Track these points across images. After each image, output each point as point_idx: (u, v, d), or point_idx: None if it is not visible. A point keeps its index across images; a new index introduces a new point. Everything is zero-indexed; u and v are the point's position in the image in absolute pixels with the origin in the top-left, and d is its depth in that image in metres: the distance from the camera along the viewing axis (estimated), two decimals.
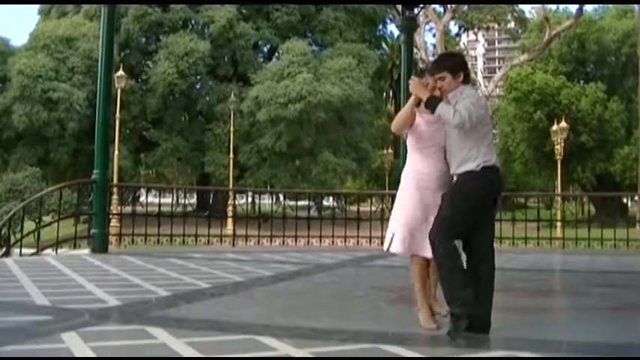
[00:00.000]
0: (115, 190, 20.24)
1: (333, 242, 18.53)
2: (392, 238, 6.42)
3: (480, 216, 6.30)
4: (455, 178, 6.33)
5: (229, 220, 21.92)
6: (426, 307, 6.47)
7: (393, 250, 6.44)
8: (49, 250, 14.77)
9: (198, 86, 51.76)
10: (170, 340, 5.68)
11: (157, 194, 19.84)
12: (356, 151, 50.13)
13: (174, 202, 20.82)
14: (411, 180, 6.46)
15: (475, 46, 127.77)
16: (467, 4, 45.51)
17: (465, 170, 6.20)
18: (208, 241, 17.61)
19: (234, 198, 23.23)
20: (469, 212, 6.24)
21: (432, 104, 6.18)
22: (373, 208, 21.20)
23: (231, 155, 42.89)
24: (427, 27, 46.71)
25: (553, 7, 48.54)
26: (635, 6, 45.17)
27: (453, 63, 6.52)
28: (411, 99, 6.39)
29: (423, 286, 6.49)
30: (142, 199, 22.34)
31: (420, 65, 40.50)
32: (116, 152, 34.86)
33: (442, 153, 6.41)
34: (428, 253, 6.29)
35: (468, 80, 6.46)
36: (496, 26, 59.74)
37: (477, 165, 6.17)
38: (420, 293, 6.49)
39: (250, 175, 48.64)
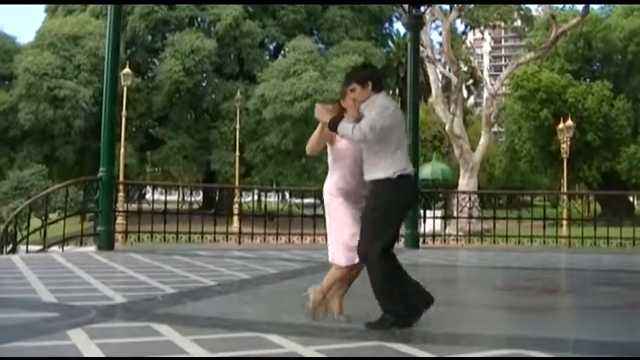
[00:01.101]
0: (121, 187, 20.19)
1: None
2: (334, 252, 6.64)
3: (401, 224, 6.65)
4: (370, 186, 6.49)
5: (235, 218, 21.85)
6: (322, 296, 6.74)
7: (342, 263, 6.59)
8: (55, 248, 14.76)
9: (204, 84, 51.80)
10: (176, 338, 5.68)
11: (163, 192, 19.85)
12: None
13: (180, 199, 20.78)
14: (337, 195, 6.66)
15: (481, 44, 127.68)
16: (474, 3, 45.39)
17: (378, 178, 6.38)
18: (214, 239, 17.61)
19: (240, 196, 23.12)
20: (396, 220, 6.60)
21: (333, 126, 6.44)
22: None
23: (237, 153, 42.89)
24: (433, 25, 46.54)
25: (559, 5, 48.40)
26: None
27: (360, 74, 6.79)
28: (320, 125, 6.66)
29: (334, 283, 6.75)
30: (148, 196, 22.37)
31: (427, 63, 40.52)
32: (122, 150, 34.88)
33: (362, 165, 6.59)
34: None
35: (379, 88, 6.65)
36: (502, 24, 59.46)
37: (393, 172, 6.35)
38: (329, 286, 6.74)
39: (256, 172, 48.70)
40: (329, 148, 6.78)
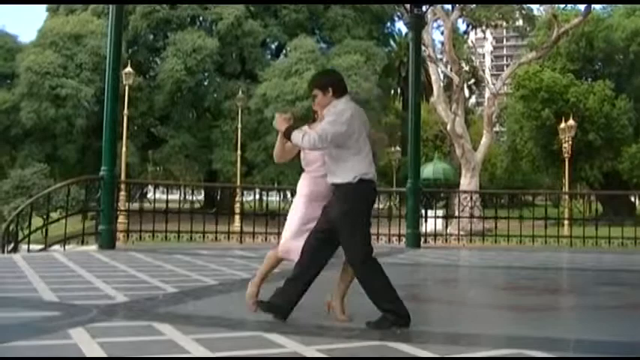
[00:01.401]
0: (122, 186, 20.22)
1: None
2: (283, 243, 6.91)
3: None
4: (334, 191, 6.61)
5: (237, 217, 21.88)
6: (258, 285, 7.08)
7: (291, 258, 6.81)
8: (56, 247, 14.77)
9: (205, 83, 51.81)
10: (177, 337, 5.69)
11: (165, 191, 19.83)
12: None
13: (181, 198, 20.77)
14: (304, 197, 6.85)
15: (483, 43, 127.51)
16: (475, 2, 45.36)
17: (339, 182, 6.51)
18: (216, 238, 17.61)
19: (242, 195, 23.20)
20: (366, 222, 6.63)
21: (287, 135, 6.61)
22: (381, 206, 21.15)
23: (239, 152, 42.86)
24: (435, 25, 46.51)
25: (561, 5, 48.39)
26: None
27: (320, 80, 6.96)
28: (279, 134, 6.82)
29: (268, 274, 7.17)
30: (150, 195, 22.34)
31: (428, 63, 40.51)
32: (124, 149, 34.84)
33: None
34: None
35: (340, 94, 6.72)
36: (504, 24, 59.40)
37: (354, 177, 6.45)
38: (263, 274, 7.17)
39: (258, 172, 48.70)
40: (301, 153, 6.92)
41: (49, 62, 45.58)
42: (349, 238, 6.46)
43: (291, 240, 6.80)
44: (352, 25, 52.53)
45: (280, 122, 6.73)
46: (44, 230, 15.07)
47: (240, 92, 44.20)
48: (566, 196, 25.85)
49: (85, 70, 46.77)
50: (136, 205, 20.09)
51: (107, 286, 8.56)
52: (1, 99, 46.70)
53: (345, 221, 6.45)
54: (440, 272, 12.76)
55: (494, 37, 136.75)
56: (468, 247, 19.49)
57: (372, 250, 6.63)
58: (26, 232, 15.30)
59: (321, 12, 52.84)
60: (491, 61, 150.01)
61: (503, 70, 57.07)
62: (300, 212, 6.81)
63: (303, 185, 6.91)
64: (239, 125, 42.25)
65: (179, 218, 17.42)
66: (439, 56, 45.49)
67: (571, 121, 40.10)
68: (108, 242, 14.17)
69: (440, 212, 22.70)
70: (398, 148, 57.34)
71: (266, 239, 18.25)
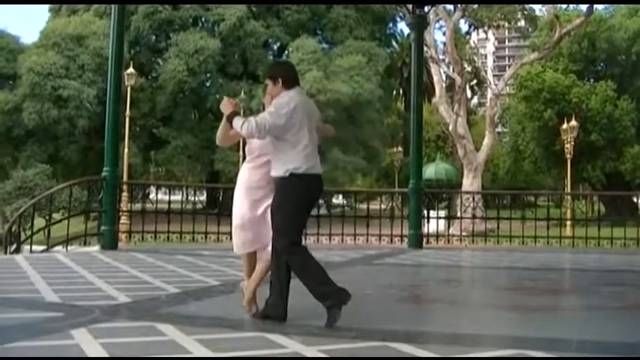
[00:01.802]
0: (124, 187, 20.25)
1: (342, 240, 18.50)
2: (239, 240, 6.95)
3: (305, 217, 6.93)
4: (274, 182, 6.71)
5: None
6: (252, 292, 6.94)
7: (235, 250, 7.02)
8: (59, 247, 14.78)
9: (208, 84, 51.80)
10: (180, 337, 5.69)
11: (167, 191, 19.86)
12: (365, 149, 50.11)
13: (183, 199, 20.82)
14: (243, 187, 6.89)
15: (485, 44, 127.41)
16: (477, 3, 45.35)
17: (276, 175, 6.62)
18: (218, 239, 17.58)
19: None
20: (297, 216, 6.65)
21: (229, 119, 6.69)
22: (383, 206, 21.17)
23: (241, 153, 42.79)
24: (437, 25, 46.53)
25: (563, 5, 48.37)
26: None
27: (271, 71, 7.09)
28: (224, 117, 6.83)
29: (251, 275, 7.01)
30: (152, 196, 22.40)
31: (430, 63, 40.50)
32: (126, 150, 34.91)
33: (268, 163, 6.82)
34: (257, 247, 6.86)
35: (290, 85, 6.77)
36: (506, 24, 59.35)
37: (285, 171, 6.53)
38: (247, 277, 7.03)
39: None
40: (247, 142, 6.95)
41: (52, 63, 45.59)
42: (278, 228, 6.50)
43: (240, 233, 6.85)
44: (354, 26, 52.49)
45: (227, 106, 6.78)
46: (46, 231, 15.10)
47: (242, 93, 44.22)
48: (569, 197, 25.83)
49: (88, 71, 46.77)
50: (138, 206, 20.15)
51: (109, 286, 8.57)
52: (3, 100, 46.69)
53: (276, 213, 6.53)
54: (442, 273, 12.75)
55: (496, 38, 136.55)
56: (470, 247, 19.48)
57: (297, 242, 6.63)
58: (28, 232, 15.33)
59: (323, 13, 52.81)
60: (494, 61, 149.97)
61: (505, 71, 56.93)
62: (238, 204, 6.86)
63: (241, 176, 6.98)
64: None
65: (181, 219, 17.42)
66: (441, 57, 45.44)
67: (573, 122, 40.13)
68: (110, 243, 14.18)
69: (442, 213, 22.72)
70: (400, 149, 57.35)
71: None
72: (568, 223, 22.54)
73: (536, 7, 55.30)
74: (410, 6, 17.98)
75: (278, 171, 6.58)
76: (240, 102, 41.92)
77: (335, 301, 6.40)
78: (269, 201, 6.68)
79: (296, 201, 6.57)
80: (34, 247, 14.46)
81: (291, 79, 6.79)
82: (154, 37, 52.41)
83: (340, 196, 55.23)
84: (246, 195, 6.80)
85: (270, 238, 6.60)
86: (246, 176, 6.88)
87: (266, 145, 6.71)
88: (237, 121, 6.57)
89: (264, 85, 6.93)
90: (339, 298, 6.41)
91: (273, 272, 6.65)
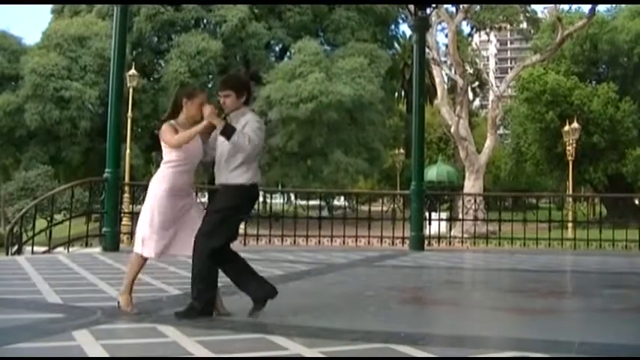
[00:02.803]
0: (126, 188, 20.22)
1: (344, 242, 18.52)
2: (143, 242, 6.93)
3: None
4: (221, 189, 7.00)
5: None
6: (129, 292, 7.03)
7: (146, 254, 6.98)
8: (60, 249, 14.78)
9: (209, 85, 51.77)
10: (181, 339, 5.69)
11: None
12: (367, 151, 50.09)
13: None
14: (169, 190, 6.87)
15: (487, 46, 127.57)
16: (479, 3, 45.38)
17: (234, 183, 6.83)
18: None
19: None
20: (234, 224, 7.08)
21: (228, 132, 6.68)
22: (384, 208, 21.17)
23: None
24: (439, 27, 46.62)
25: (565, 7, 48.39)
26: None
27: (239, 83, 7.19)
28: (204, 124, 6.79)
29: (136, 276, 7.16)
30: None
31: (432, 65, 40.51)
32: (128, 151, 34.97)
33: (194, 168, 7.14)
34: (175, 252, 7.16)
35: (248, 102, 7.09)
36: (508, 26, 59.58)
37: (248, 180, 6.85)
38: (131, 280, 7.10)
39: (262, 174, 48.56)
40: (170, 148, 6.92)
41: (54, 64, 45.63)
42: (212, 230, 6.75)
43: (153, 235, 6.88)
44: (356, 28, 52.50)
45: (215, 115, 6.79)
46: (48, 232, 15.08)
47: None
48: (570, 199, 25.82)
49: (90, 72, 46.81)
50: (139, 207, 20.11)
51: (111, 288, 8.57)
52: (5, 101, 46.73)
53: (217, 215, 6.84)
54: (444, 275, 12.75)
55: (498, 40, 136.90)
56: (471, 249, 19.49)
57: (219, 249, 6.89)
58: (30, 234, 15.31)
59: (325, 14, 52.83)
60: (496, 63, 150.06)
61: (507, 73, 56.94)
62: (163, 207, 6.85)
63: (163, 178, 6.93)
64: None
65: None
66: (443, 59, 45.46)
67: (575, 124, 40.13)
68: (112, 244, 14.17)
69: (444, 215, 22.76)
70: (402, 151, 57.34)
71: (270, 241, 18.26)
72: (570, 225, 22.50)
73: (539, 9, 55.42)
74: (412, 8, 17.99)
75: (238, 179, 6.81)
76: None
77: (194, 311, 6.71)
78: (192, 207, 7.03)
79: (245, 208, 7.19)
80: (36, 249, 14.47)
81: (250, 97, 7.15)
82: (156, 39, 52.46)
83: (342, 198, 55.37)
84: (174, 198, 6.87)
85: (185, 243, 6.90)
86: (173, 179, 6.89)
87: (198, 152, 6.99)
88: (242, 137, 6.66)
89: (224, 95, 6.94)
90: (197, 312, 6.71)
91: (203, 272, 6.88)
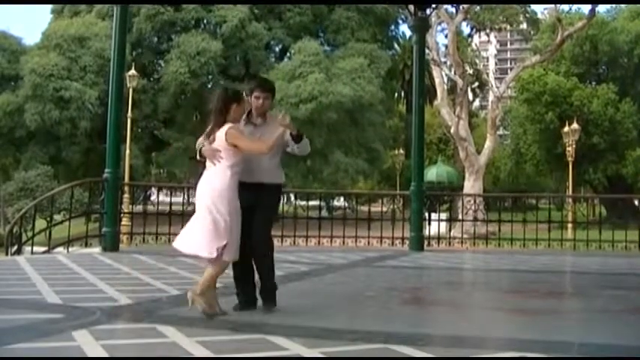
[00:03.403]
0: (126, 188, 20.24)
1: (344, 242, 18.52)
2: (224, 247, 6.88)
3: None
4: (271, 189, 7.38)
5: None
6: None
7: (228, 259, 6.97)
8: (60, 249, 14.79)
9: (209, 86, 51.78)
10: (181, 339, 5.69)
11: (169, 193, 19.84)
12: (367, 152, 50.09)
13: (185, 201, 20.76)
14: (236, 195, 6.99)
15: (487, 47, 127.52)
16: (479, 4, 45.39)
17: (279, 183, 7.48)
18: None
19: None
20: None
21: (301, 136, 7.28)
22: (384, 209, 21.18)
23: None
24: (439, 28, 46.59)
25: (565, 8, 48.38)
26: None
27: (274, 88, 7.79)
28: (282, 130, 7.15)
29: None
30: (153, 198, 22.35)
31: (432, 66, 40.52)
32: (127, 151, 34.94)
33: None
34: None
35: None
36: (508, 27, 59.59)
37: (282, 178, 7.56)
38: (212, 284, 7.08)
39: None
40: (235, 151, 7.03)
41: (54, 64, 45.62)
42: (266, 229, 7.34)
43: (233, 240, 6.97)
44: (356, 28, 52.48)
45: (291, 123, 7.21)
46: (48, 232, 15.09)
47: (244, 95, 44.21)
48: (570, 200, 25.84)
49: (90, 72, 46.80)
50: (139, 208, 20.11)
51: (111, 288, 8.57)
52: (5, 101, 46.76)
53: (272, 210, 7.57)
54: (443, 275, 12.74)
55: (498, 41, 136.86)
56: (471, 250, 19.49)
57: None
58: (30, 234, 15.32)
59: (325, 14, 52.81)
60: (495, 64, 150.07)
61: (507, 74, 56.99)
62: (238, 211, 7.02)
63: (234, 184, 7.04)
64: None
65: (183, 220, 17.38)
66: (443, 59, 45.46)
67: (575, 125, 40.13)
68: (111, 244, 14.18)
69: (443, 215, 22.77)
70: (401, 151, 57.36)
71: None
72: (569, 225, 22.51)
73: (538, 9, 55.42)
74: (412, 8, 17.99)
75: (278, 178, 7.46)
76: None
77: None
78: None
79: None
80: (36, 249, 14.47)
81: None
82: (156, 39, 52.42)
83: (342, 199, 55.38)
84: (235, 200, 6.96)
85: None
86: (236, 182, 7.01)
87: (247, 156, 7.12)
88: (305, 140, 7.33)
89: (264, 98, 7.37)
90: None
91: (272, 262, 7.37)
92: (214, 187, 6.93)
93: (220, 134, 6.98)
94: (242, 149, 6.97)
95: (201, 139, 7.19)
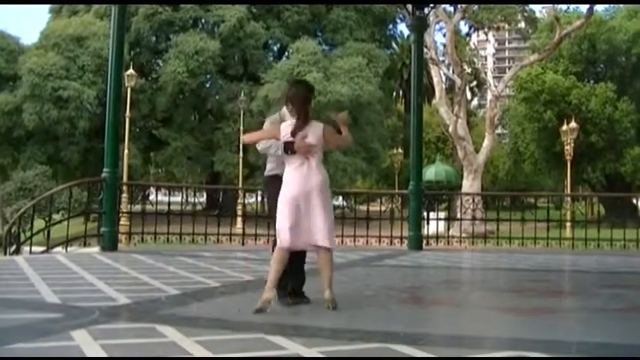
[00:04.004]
0: (124, 188, 20.22)
1: (342, 242, 18.46)
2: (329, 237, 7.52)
3: None
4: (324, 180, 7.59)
5: (239, 219, 21.90)
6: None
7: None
8: (59, 248, 14.78)
9: (208, 85, 51.84)
10: (180, 339, 5.68)
11: (167, 193, 19.85)
12: (366, 151, 50.12)
13: (183, 200, 20.76)
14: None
15: (485, 46, 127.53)
16: (477, 3, 45.38)
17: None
18: (218, 240, 17.61)
19: (244, 197, 23.12)
20: None
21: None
22: (383, 208, 21.16)
23: (241, 154, 42.93)
24: (437, 27, 46.69)
25: (563, 7, 48.43)
26: None
27: (313, 88, 8.18)
28: (344, 127, 7.56)
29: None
30: (152, 197, 22.36)
31: (430, 65, 40.53)
32: (126, 151, 34.98)
33: None
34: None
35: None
36: (506, 26, 59.51)
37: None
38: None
39: (260, 174, 48.63)
40: (321, 146, 7.47)
41: (52, 64, 45.64)
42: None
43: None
44: (354, 28, 52.53)
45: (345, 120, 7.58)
46: (46, 232, 15.10)
47: (242, 94, 44.26)
48: (569, 198, 25.85)
49: (88, 72, 46.82)
50: (138, 207, 20.13)
51: (109, 288, 8.56)
52: (3, 101, 46.76)
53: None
54: (442, 274, 12.74)
55: (496, 40, 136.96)
56: (469, 249, 19.48)
57: None
58: (28, 234, 15.30)
59: (323, 14, 52.84)
60: (494, 63, 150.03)
61: (505, 73, 56.97)
62: (330, 205, 7.67)
63: (322, 175, 7.49)
64: (241, 127, 42.21)
65: (181, 220, 17.43)
66: (441, 58, 45.51)
67: (573, 124, 40.19)
68: (110, 244, 14.18)
69: (442, 214, 22.73)
70: (400, 150, 57.39)
71: (268, 241, 18.18)
72: (568, 224, 22.55)
73: (537, 8, 55.41)
74: (410, 7, 17.98)
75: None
76: (240, 103, 42.08)
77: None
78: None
79: None
80: (34, 248, 14.45)
81: None
82: (154, 39, 52.45)
83: (340, 198, 55.31)
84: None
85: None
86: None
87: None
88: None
89: (310, 99, 7.77)
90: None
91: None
92: (324, 179, 7.42)
93: (317, 130, 7.38)
94: (331, 144, 7.63)
95: (281, 133, 7.45)
